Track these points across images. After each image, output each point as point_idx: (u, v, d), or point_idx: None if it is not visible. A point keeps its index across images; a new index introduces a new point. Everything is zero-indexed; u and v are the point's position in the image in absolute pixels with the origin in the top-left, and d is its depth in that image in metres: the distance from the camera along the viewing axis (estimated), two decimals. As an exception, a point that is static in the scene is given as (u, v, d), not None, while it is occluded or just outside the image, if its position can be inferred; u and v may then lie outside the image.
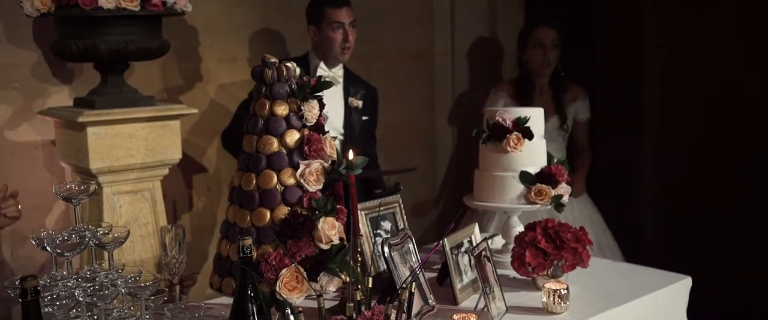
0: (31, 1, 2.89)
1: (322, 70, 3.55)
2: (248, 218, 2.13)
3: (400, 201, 2.74)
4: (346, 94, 3.63)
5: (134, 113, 2.99)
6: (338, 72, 3.63)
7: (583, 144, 4.27)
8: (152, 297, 2.17)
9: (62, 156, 3.14)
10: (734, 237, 4.38)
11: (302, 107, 2.18)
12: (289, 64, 2.20)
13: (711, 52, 4.38)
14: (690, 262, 4.40)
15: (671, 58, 4.56)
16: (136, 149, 3.00)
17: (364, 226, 2.55)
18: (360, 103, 3.64)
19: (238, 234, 2.13)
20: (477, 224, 2.69)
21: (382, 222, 2.64)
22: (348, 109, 3.63)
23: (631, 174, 4.79)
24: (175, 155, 3.11)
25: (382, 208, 2.65)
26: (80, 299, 1.93)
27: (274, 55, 2.25)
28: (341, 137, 3.61)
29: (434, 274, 2.64)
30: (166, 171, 3.14)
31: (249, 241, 1.82)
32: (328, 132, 3.47)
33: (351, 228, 2.21)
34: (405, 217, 2.74)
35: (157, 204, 3.12)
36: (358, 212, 2.52)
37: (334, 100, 3.55)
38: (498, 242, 2.92)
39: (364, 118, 3.67)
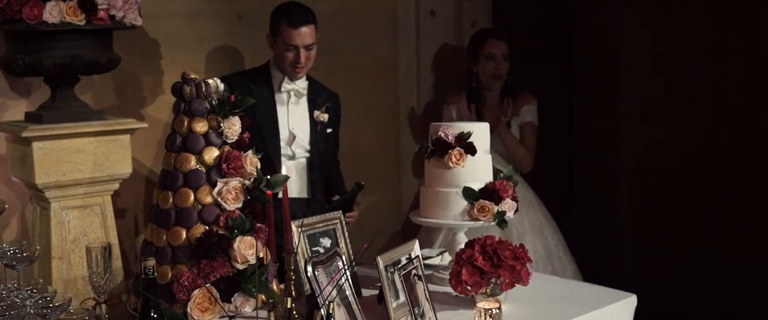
0: (-23, 16, 2.88)
1: (287, 85, 3.39)
2: (164, 237, 2.11)
3: (342, 218, 2.71)
4: (312, 106, 3.46)
5: (81, 128, 2.97)
6: (302, 84, 3.44)
7: (526, 146, 4.16)
8: (75, 317, 2.14)
9: (12, 170, 3.12)
10: (710, 250, 4.31)
11: (222, 124, 2.15)
12: (210, 81, 2.18)
13: (688, 66, 4.32)
14: (665, 277, 4.41)
15: (647, 71, 4.50)
16: (83, 164, 2.97)
17: (300, 243, 2.52)
18: (326, 117, 3.47)
19: (153, 253, 2.10)
20: (417, 240, 2.64)
21: (321, 239, 2.61)
22: (314, 124, 3.46)
23: (607, 188, 4.73)
24: (125, 170, 3.08)
25: (321, 225, 2.62)
26: (-14, 319, 1.90)
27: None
28: (308, 154, 3.45)
29: (376, 292, 2.60)
30: (116, 185, 3.11)
31: (151, 262, 1.80)
32: (295, 153, 3.40)
33: (274, 245, 2.18)
34: (346, 234, 2.70)
35: (108, 219, 3.09)
36: (295, 229, 2.49)
37: (300, 116, 3.42)
38: (447, 259, 2.88)
39: (329, 130, 3.51)
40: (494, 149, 4.03)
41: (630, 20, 4.54)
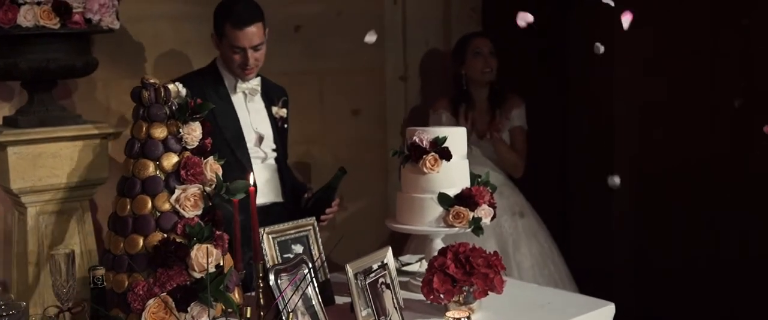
0: (-47, 20, 2.86)
1: (242, 84, 3.20)
2: (121, 245, 2.06)
3: (315, 224, 2.66)
4: (268, 103, 3.29)
5: (57, 132, 2.94)
6: (255, 81, 3.21)
7: (517, 152, 4.10)
8: (37, 325, 2.12)
9: (-9, 175, 3.10)
10: (707, 252, 4.25)
11: (181, 129, 2.11)
12: (170, 86, 2.14)
13: (683, 67, 4.25)
14: (662, 278, 4.34)
15: (642, 72, 4.44)
16: (60, 169, 2.94)
17: (271, 250, 2.47)
18: (285, 111, 3.32)
19: (111, 261, 2.06)
20: (390, 247, 2.59)
21: (293, 246, 2.56)
22: (274, 121, 3.29)
23: (602, 189, 4.64)
24: (102, 174, 3.05)
25: (293, 231, 2.57)
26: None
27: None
28: (275, 154, 3.29)
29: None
30: (94, 191, 3.08)
31: (100, 272, 1.77)
32: (267, 153, 3.32)
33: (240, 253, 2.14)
34: (319, 240, 2.65)
35: (86, 225, 3.06)
36: (266, 236, 2.45)
37: (260, 115, 3.26)
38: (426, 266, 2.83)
39: (285, 126, 3.34)
40: (485, 155, 4.01)
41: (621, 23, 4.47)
